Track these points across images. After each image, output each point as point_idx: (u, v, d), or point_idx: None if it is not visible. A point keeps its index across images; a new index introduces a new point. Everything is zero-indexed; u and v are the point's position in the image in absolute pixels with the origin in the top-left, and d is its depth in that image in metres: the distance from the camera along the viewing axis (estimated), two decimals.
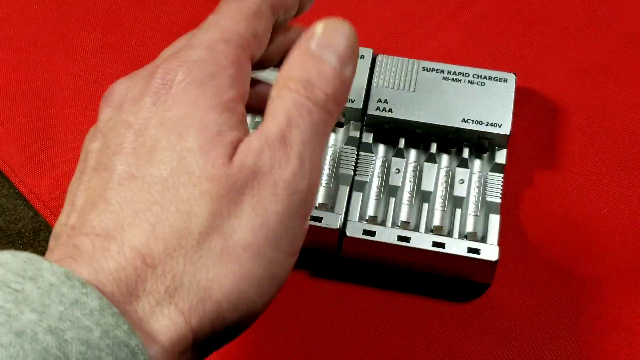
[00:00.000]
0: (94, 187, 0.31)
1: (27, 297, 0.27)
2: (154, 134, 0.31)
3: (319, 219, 0.46)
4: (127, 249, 0.29)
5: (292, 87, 0.31)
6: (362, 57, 0.50)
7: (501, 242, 0.46)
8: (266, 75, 0.38)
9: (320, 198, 0.48)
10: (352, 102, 0.49)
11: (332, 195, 0.48)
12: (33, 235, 0.51)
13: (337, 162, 0.49)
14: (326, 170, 0.49)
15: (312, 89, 0.31)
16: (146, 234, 0.29)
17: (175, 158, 0.30)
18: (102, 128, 0.33)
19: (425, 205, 0.48)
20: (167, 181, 0.30)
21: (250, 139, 0.31)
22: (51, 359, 0.26)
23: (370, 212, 0.48)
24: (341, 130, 0.50)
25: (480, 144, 0.49)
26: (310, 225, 0.46)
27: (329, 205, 0.48)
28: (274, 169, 0.30)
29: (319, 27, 0.32)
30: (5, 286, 0.27)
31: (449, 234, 0.47)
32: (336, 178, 0.48)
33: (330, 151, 0.50)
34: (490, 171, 0.48)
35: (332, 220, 0.46)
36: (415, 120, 0.48)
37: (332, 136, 0.50)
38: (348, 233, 0.46)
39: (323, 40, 0.32)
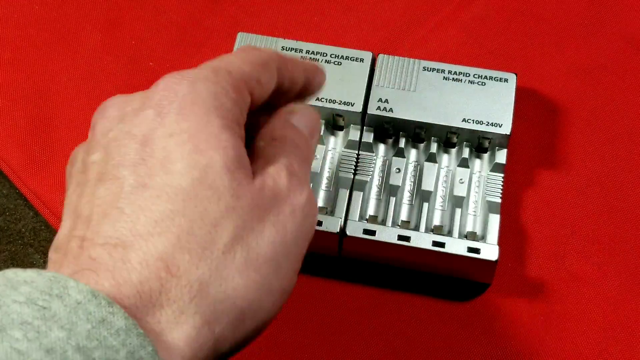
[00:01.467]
0: (102, 198, 0.31)
1: (55, 314, 0.27)
2: (163, 145, 0.32)
3: (319, 223, 0.46)
4: (151, 259, 0.29)
5: (281, 142, 0.36)
6: (362, 60, 0.51)
7: (501, 242, 0.46)
8: None
9: (320, 202, 0.48)
10: (352, 105, 0.49)
11: (331, 199, 0.48)
12: (33, 235, 0.51)
13: (336, 165, 0.49)
14: (326, 173, 0.49)
15: (296, 147, 0.36)
16: (171, 243, 0.30)
17: (195, 171, 0.31)
18: (101, 139, 0.33)
19: (426, 205, 0.48)
20: (188, 192, 0.31)
21: (266, 167, 0.34)
22: None
23: (370, 211, 0.48)
24: (340, 133, 0.50)
25: (480, 143, 0.49)
26: None
27: (329, 209, 0.48)
28: (291, 193, 0.33)
29: (297, 107, 0.38)
30: (33, 303, 0.27)
31: (449, 234, 0.47)
32: (336, 181, 0.48)
33: (329, 155, 0.50)
34: (491, 171, 0.48)
35: (332, 224, 0.46)
36: (416, 119, 0.49)
37: (332, 139, 0.50)
38: (348, 232, 0.46)
39: (300, 116, 0.38)
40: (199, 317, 0.29)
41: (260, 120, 0.37)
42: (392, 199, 0.48)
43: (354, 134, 0.49)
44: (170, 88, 0.33)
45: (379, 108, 0.49)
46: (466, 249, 0.45)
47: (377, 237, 0.45)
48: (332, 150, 0.50)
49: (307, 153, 0.36)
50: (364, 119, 0.49)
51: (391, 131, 0.49)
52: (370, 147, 0.49)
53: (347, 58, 0.51)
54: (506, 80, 0.50)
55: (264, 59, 0.36)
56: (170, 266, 0.29)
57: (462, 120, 0.48)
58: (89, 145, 0.34)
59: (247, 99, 0.35)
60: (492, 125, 0.48)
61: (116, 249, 0.29)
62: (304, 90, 0.40)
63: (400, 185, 0.48)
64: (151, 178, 0.31)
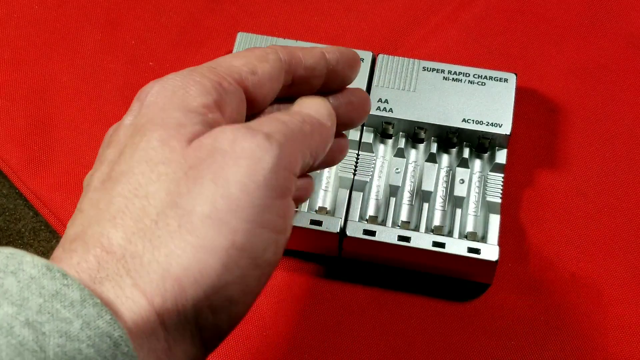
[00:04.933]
0: (80, 204, 0.33)
1: (7, 290, 0.27)
2: (124, 141, 0.33)
3: (319, 223, 0.46)
4: (90, 242, 0.30)
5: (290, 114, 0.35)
6: (362, 59, 0.50)
7: (501, 242, 0.46)
8: None
9: (320, 202, 0.48)
10: None
11: (332, 199, 0.48)
12: (33, 235, 0.51)
13: (336, 165, 0.49)
14: (326, 173, 0.49)
15: (276, 120, 0.34)
16: (106, 225, 0.30)
17: (138, 154, 0.32)
18: (101, 155, 0.35)
19: (426, 205, 0.48)
20: (127, 174, 0.31)
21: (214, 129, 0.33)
22: (27, 352, 0.26)
23: (370, 211, 0.48)
24: None
25: (480, 143, 0.49)
26: (310, 229, 0.46)
27: (329, 209, 0.48)
28: (236, 144, 0.31)
29: (303, 98, 0.37)
30: None
31: (449, 234, 0.47)
32: (336, 182, 0.48)
33: None
34: (491, 171, 0.48)
35: (332, 225, 0.46)
36: (416, 120, 0.48)
37: None
38: (348, 233, 0.46)
39: (302, 102, 0.37)
40: (136, 290, 0.29)
41: None
42: (392, 200, 0.48)
43: (354, 134, 0.49)
44: (144, 91, 0.34)
45: (378, 108, 0.49)
46: (466, 250, 0.45)
47: (377, 238, 0.45)
48: None
49: (294, 126, 0.33)
50: None
51: (391, 131, 0.49)
52: (370, 148, 0.49)
53: None
54: (506, 80, 0.50)
55: (261, 53, 0.36)
56: (105, 245, 0.30)
57: (462, 121, 0.48)
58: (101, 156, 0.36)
59: (232, 89, 0.34)
60: (492, 126, 0.48)
61: (67, 243, 0.31)
62: (333, 77, 0.37)
63: (400, 185, 0.48)
64: (109, 173, 0.32)
